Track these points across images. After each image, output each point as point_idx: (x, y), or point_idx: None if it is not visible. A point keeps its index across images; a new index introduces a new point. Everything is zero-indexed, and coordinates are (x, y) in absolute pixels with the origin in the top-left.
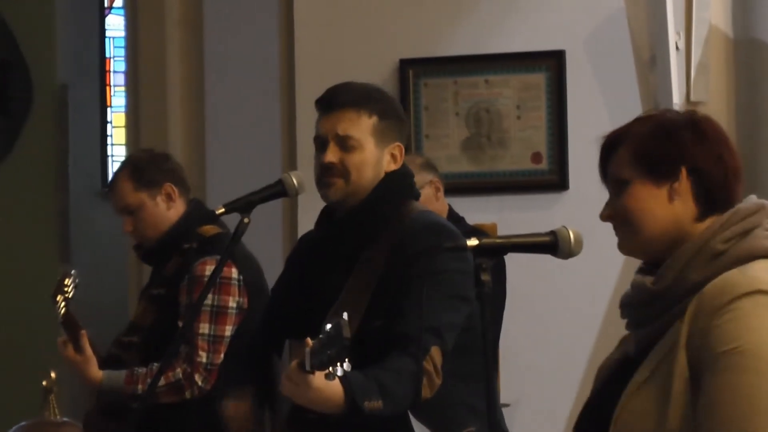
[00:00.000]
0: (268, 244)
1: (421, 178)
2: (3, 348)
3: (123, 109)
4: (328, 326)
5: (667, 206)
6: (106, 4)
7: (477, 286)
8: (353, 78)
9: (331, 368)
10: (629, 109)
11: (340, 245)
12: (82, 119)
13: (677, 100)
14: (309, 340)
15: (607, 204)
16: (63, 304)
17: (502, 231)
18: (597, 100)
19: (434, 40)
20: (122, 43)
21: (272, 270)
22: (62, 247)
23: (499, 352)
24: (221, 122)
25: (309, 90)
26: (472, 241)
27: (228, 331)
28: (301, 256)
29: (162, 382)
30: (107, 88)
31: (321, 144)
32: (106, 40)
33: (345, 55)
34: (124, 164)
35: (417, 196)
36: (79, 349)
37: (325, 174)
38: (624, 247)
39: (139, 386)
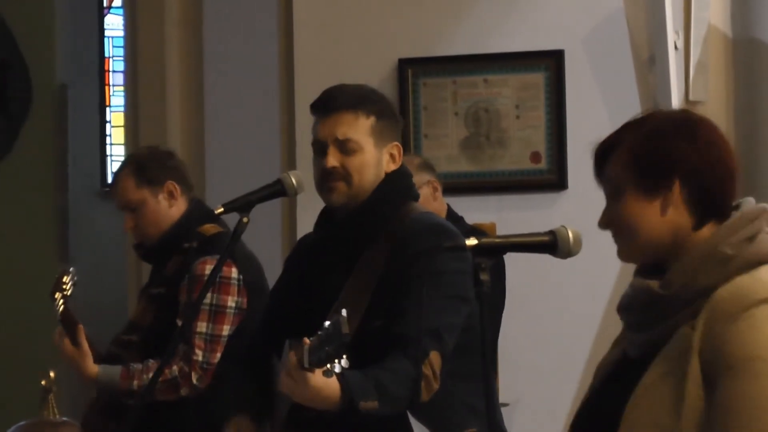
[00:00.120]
0: (268, 244)
1: (418, 178)
2: (2, 348)
3: (122, 109)
4: (327, 323)
5: (661, 218)
6: (105, 4)
7: (476, 286)
8: (352, 78)
9: (328, 365)
10: (628, 108)
11: (340, 246)
12: (82, 119)
13: (676, 100)
14: (306, 340)
15: (605, 212)
16: (61, 301)
17: (501, 230)
18: (596, 99)
19: (433, 40)
20: (121, 42)
21: (272, 270)
22: (62, 246)
23: (498, 351)
24: (220, 122)
25: (308, 90)
26: (471, 241)
27: (226, 330)
28: (300, 257)
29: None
30: (106, 87)
31: (320, 148)
32: (106, 39)
33: (344, 54)
34: (127, 161)
35: (416, 197)
36: (75, 343)
37: (327, 179)
38: (622, 253)
39: (135, 382)
